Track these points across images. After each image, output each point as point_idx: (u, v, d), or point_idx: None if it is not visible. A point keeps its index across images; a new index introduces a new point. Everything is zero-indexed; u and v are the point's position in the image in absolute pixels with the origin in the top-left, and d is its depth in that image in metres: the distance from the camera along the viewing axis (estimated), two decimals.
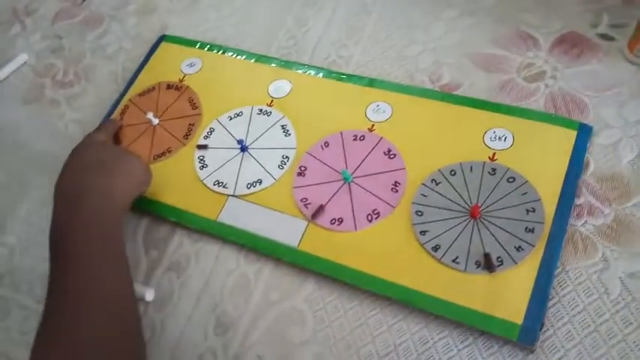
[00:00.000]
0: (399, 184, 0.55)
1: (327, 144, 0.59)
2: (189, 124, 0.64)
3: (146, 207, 0.61)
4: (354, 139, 0.59)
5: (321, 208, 0.55)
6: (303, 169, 0.58)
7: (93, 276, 0.46)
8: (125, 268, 0.49)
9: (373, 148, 0.58)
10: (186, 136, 0.64)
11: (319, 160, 0.58)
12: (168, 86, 0.68)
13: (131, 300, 0.49)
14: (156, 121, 0.66)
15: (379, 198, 0.54)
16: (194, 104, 0.66)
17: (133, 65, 0.73)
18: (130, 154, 0.57)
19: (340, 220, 0.54)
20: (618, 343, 0.44)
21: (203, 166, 0.61)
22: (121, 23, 0.79)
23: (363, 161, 0.57)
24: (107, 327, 0.45)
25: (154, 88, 0.69)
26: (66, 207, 0.50)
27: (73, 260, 0.47)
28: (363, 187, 0.55)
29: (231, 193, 0.58)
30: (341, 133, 0.59)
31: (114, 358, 0.44)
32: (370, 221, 0.53)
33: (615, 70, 0.57)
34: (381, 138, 0.58)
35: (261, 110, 0.64)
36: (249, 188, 0.58)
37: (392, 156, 0.56)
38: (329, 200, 0.55)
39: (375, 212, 0.54)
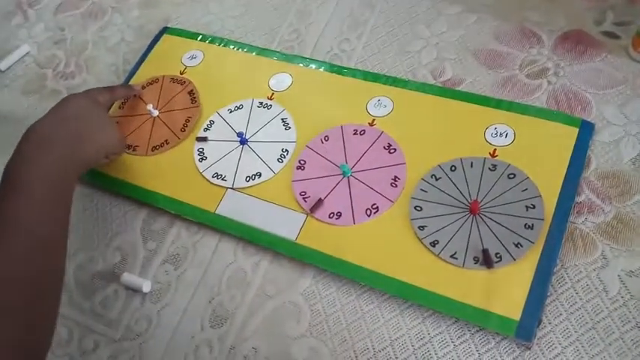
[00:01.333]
0: (398, 178, 0.54)
1: (327, 138, 0.59)
2: (187, 118, 0.64)
3: (144, 198, 0.61)
4: (355, 133, 0.58)
5: (319, 202, 0.54)
6: (302, 162, 0.58)
7: (34, 215, 0.47)
8: (64, 223, 0.50)
9: (373, 142, 0.57)
10: (183, 129, 0.64)
11: (319, 153, 0.58)
12: (172, 79, 0.68)
13: (60, 258, 0.49)
14: (155, 112, 0.66)
15: (378, 192, 0.54)
16: (194, 98, 0.66)
17: (134, 57, 0.73)
18: (109, 122, 0.58)
19: (339, 214, 0.54)
20: (616, 340, 0.44)
21: (202, 159, 0.61)
22: (123, 15, 0.79)
23: (362, 155, 0.57)
24: (28, 269, 0.45)
25: (157, 79, 0.69)
26: (30, 150, 0.50)
27: (21, 193, 0.47)
28: (362, 182, 0.55)
29: (230, 186, 0.58)
30: (341, 127, 0.59)
31: (20, 302, 0.44)
32: (369, 216, 0.53)
33: (619, 68, 0.57)
34: (382, 132, 0.58)
35: (261, 103, 0.63)
36: (248, 181, 0.58)
37: (392, 151, 0.56)
38: (328, 194, 0.55)
39: (374, 207, 0.53)
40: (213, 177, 0.59)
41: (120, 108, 0.68)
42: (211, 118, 0.64)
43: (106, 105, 0.61)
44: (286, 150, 0.59)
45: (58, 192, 0.50)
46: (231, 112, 0.64)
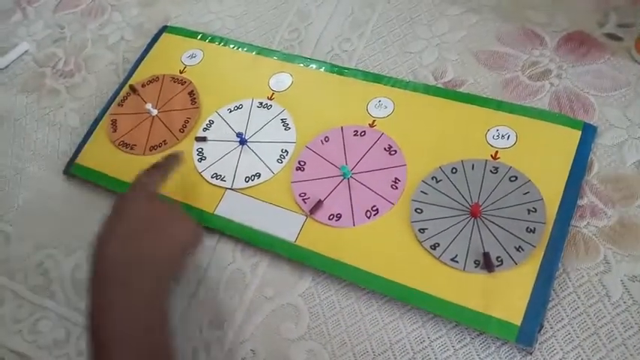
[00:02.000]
0: (398, 180, 0.54)
1: (327, 139, 0.58)
2: (187, 119, 0.64)
3: None
4: (355, 135, 0.58)
5: (319, 203, 0.54)
6: (302, 163, 0.57)
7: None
8: (170, 344, 0.45)
9: (374, 144, 0.57)
10: (182, 130, 0.63)
11: (319, 154, 0.58)
12: (173, 79, 0.68)
13: None
14: (155, 112, 0.65)
15: (378, 194, 0.54)
16: (194, 99, 0.65)
17: (133, 56, 0.73)
18: (181, 216, 0.52)
19: (339, 216, 0.53)
20: (618, 346, 0.44)
21: (201, 159, 0.60)
22: (123, 13, 0.79)
23: (363, 157, 0.56)
24: None
25: (157, 78, 0.68)
26: (108, 289, 0.45)
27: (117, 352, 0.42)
28: (362, 183, 0.55)
29: (229, 187, 0.58)
30: (341, 128, 0.58)
31: None
32: (369, 218, 0.53)
33: (622, 71, 0.56)
34: (382, 134, 0.57)
35: (261, 103, 0.63)
36: (247, 182, 0.58)
37: (393, 152, 0.56)
38: (328, 195, 0.55)
39: (374, 209, 0.53)
40: (212, 177, 0.59)
41: (119, 105, 0.67)
42: (211, 117, 0.63)
43: (160, 189, 0.54)
44: (286, 150, 0.59)
45: (151, 334, 0.45)
46: (230, 111, 0.63)
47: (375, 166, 0.55)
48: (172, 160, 0.57)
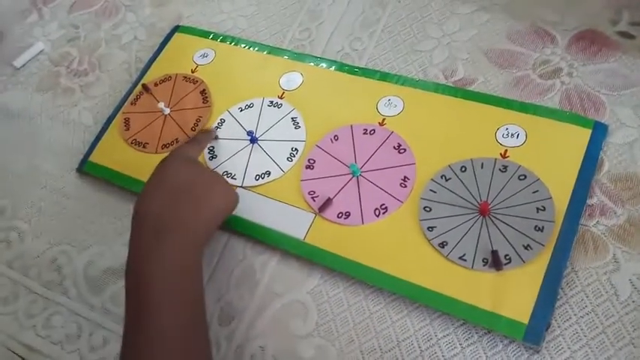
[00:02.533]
0: (408, 179, 0.54)
1: (336, 137, 0.59)
2: (198, 117, 0.64)
3: None
4: (364, 133, 0.58)
5: (328, 201, 0.54)
6: (311, 162, 0.58)
7: (169, 319, 0.44)
8: (201, 308, 0.47)
9: (383, 142, 0.57)
10: (194, 128, 0.64)
11: (328, 153, 0.58)
12: (185, 78, 0.68)
13: (206, 345, 0.46)
14: (167, 110, 0.66)
15: (387, 193, 0.54)
16: (205, 98, 0.66)
17: (146, 55, 0.74)
18: (219, 180, 0.54)
19: (347, 214, 0.54)
20: (626, 345, 0.43)
21: (212, 157, 0.61)
22: (136, 13, 0.80)
23: (372, 155, 0.56)
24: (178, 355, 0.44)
25: (170, 77, 0.69)
26: (147, 240, 0.47)
27: (150, 301, 0.44)
28: (371, 182, 0.55)
29: (240, 185, 0.58)
30: (351, 127, 0.59)
31: None
32: (377, 216, 0.53)
33: (634, 69, 0.56)
34: (392, 132, 0.57)
35: (271, 102, 0.63)
36: (257, 180, 0.58)
37: (402, 151, 0.56)
38: (337, 194, 0.55)
39: (383, 207, 0.53)
40: (222, 175, 0.59)
41: (132, 104, 0.68)
42: (222, 116, 0.64)
43: (198, 158, 0.58)
44: (296, 149, 0.59)
45: (187, 280, 0.47)
46: (241, 110, 0.64)
47: (384, 165, 0.56)
48: (207, 134, 0.61)
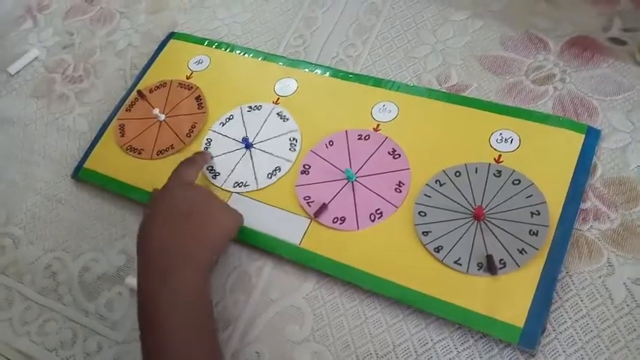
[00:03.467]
0: (402, 184, 0.54)
1: (331, 143, 0.59)
2: (194, 123, 0.64)
3: None
4: (359, 139, 0.58)
5: (323, 207, 0.54)
6: (307, 167, 0.58)
7: (182, 352, 0.45)
8: (213, 337, 0.48)
9: (378, 147, 0.57)
10: (189, 134, 0.64)
11: (323, 158, 0.58)
12: (180, 84, 0.69)
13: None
14: (162, 117, 0.66)
15: (382, 198, 0.54)
16: (201, 104, 0.66)
17: (141, 62, 0.74)
18: (219, 203, 0.54)
19: (342, 219, 0.54)
20: (621, 349, 0.44)
21: (215, 175, 0.61)
22: (131, 20, 0.80)
23: (367, 161, 0.57)
24: None
25: (165, 84, 0.69)
26: (155, 279, 0.47)
27: (166, 342, 0.45)
28: (366, 187, 0.55)
29: (256, 188, 0.58)
30: (346, 132, 0.59)
31: None
32: (373, 221, 0.53)
33: (626, 75, 0.57)
34: (386, 138, 0.57)
35: (251, 107, 0.64)
36: (270, 178, 0.58)
37: (396, 156, 0.56)
38: (332, 199, 0.55)
39: (378, 212, 0.53)
40: (234, 186, 0.59)
41: (127, 110, 0.68)
42: (208, 136, 0.63)
43: (195, 180, 0.57)
44: (295, 139, 0.60)
45: (200, 308, 0.47)
46: (223, 124, 0.64)
47: (379, 170, 0.56)
48: (202, 155, 0.60)
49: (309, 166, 0.58)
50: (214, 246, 0.51)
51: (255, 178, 0.59)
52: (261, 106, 0.63)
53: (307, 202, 0.55)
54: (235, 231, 0.54)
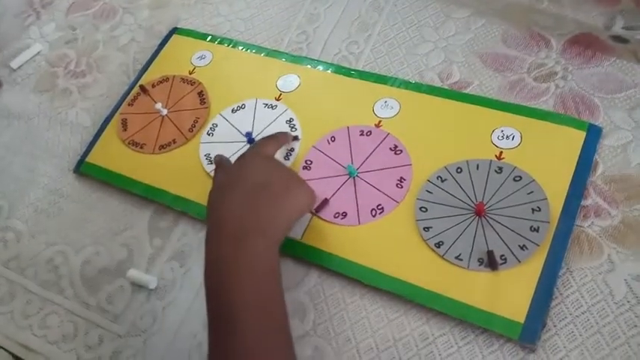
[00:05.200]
0: (404, 179, 0.54)
1: (333, 138, 0.59)
2: (196, 118, 0.65)
3: (151, 196, 0.61)
4: (361, 135, 0.58)
5: (325, 202, 0.55)
6: (309, 162, 0.58)
7: (253, 327, 0.43)
8: (284, 312, 0.46)
9: (380, 143, 0.57)
10: (191, 129, 0.64)
11: (325, 154, 0.58)
12: (183, 79, 0.69)
13: (291, 352, 0.45)
14: (164, 111, 0.66)
15: (384, 193, 0.54)
16: (203, 99, 0.66)
17: (144, 57, 0.74)
18: (297, 179, 0.53)
19: (344, 214, 0.54)
20: (621, 345, 0.44)
21: (210, 162, 0.61)
22: (134, 16, 0.80)
23: (369, 156, 0.57)
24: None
25: (167, 79, 0.69)
26: (227, 246, 0.46)
27: (233, 311, 0.43)
28: (368, 182, 0.55)
29: None
30: (347, 128, 0.59)
31: None
32: (374, 216, 0.53)
33: (627, 73, 0.57)
34: (388, 134, 0.58)
35: (267, 104, 0.64)
36: None
37: (398, 152, 0.56)
38: (334, 194, 0.55)
39: (380, 207, 0.53)
40: None
41: (129, 105, 0.69)
42: (214, 121, 0.64)
43: (273, 155, 0.56)
44: (292, 149, 0.59)
45: (270, 280, 0.46)
46: (234, 112, 0.64)
47: (380, 166, 0.56)
48: (286, 134, 0.59)
49: (311, 162, 0.58)
50: (287, 221, 0.50)
51: None
52: (276, 105, 0.63)
53: None
54: (308, 208, 0.53)
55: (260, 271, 0.45)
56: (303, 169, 0.58)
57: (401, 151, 0.56)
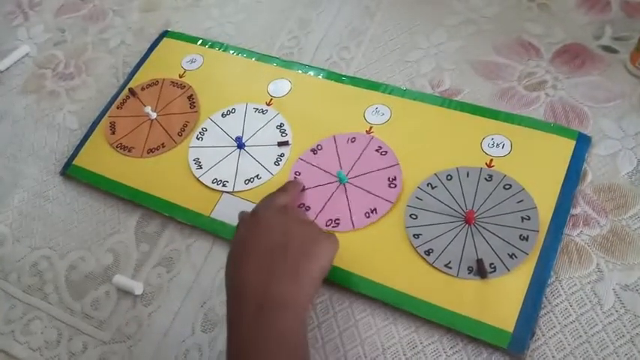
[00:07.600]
0: (395, 179, 0.54)
1: (320, 147, 0.59)
2: (185, 122, 0.64)
3: (139, 200, 0.60)
4: (347, 142, 0.58)
5: (301, 207, 0.55)
6: (297, 174, 0.58)
7: None
8: None
9: (365, 147, 0.57)
10: (180, 133, 0.63)
11: (312, 164, 0.58)
12: (172, 83, 0.68)
13: None
14: (154, 115, 0.65)
15: (376, 195, 0.54)
16: (193, 103, 0.66)
17: (134, 60, 0.73)
18: (317, 234, 0.48)
19: (337, 221, 0.54)
20: (609, 355, 0.44)
21: (199, 167, 0.60)
22: (124, 18, 0.79)
23: (356, 161, 0.57)
24: None
25: (157, 82, 0.69)
26: (250, 317, 0.42)
27: None
28: (359, 187, 0.55)
29: (231, 190, 0.58)
30: (334, 137, 0.59)
31: None
32: (368, 217, 0.53)
33: (617, 82, 0.57)
34: (372, 137, 0.58)
35: (258, 109, 0.63)
36: (247, 184, 0.58)
37: (383, 153, 0.56)
38: (326, 202, 0.55)
39: (373, 210, 0.53)
40: (212, 183, 0.59)
41: (118, 108, 0.68)
42: (204, 125, 0.63)
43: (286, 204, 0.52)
44: (282, 153, 0.59)
45: (297, 353, 0.42)
46: (224, 116, 0.63)
47: (368, 169, 0.56)
48: (294, 183, 0.56)
49: (299, 173, 0.58)
50: (311, 286, 0.45)
51: (235, 180, 0.59)
52: (267, 110, 0.63)
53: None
54: (333, 259, 0.47)
55: (285, 346, 0.42)
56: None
57: (386, 152, 0.56)
